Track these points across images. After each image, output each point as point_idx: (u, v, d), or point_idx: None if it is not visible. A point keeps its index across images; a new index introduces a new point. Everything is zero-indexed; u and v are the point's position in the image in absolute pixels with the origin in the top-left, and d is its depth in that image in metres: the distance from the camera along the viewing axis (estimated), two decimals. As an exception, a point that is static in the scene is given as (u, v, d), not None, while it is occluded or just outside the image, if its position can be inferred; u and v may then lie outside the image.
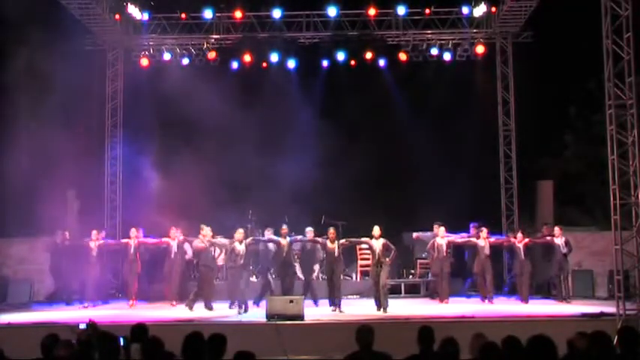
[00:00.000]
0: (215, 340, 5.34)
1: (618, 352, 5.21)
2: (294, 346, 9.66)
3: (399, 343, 6.24)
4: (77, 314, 11.99)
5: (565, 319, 10.82)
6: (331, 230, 12.56)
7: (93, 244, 13.74)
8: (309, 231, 13.20)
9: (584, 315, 10.97)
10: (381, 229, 12.46)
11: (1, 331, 10.16)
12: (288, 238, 12.84)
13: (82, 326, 6.77)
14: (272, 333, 9.92)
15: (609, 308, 11.10)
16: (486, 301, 13.53)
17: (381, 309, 12.08)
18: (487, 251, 13.76)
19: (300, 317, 10.79)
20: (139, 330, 6.21)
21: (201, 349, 5.15)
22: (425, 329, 5.71)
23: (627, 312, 10.45)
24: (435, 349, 5.44)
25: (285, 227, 12.91)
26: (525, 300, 13.36)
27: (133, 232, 13.89)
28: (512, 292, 14.44)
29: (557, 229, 13.84)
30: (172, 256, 13.63)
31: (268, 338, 9.77)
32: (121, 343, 5.70)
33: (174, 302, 13.32)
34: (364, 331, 5.67)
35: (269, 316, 10.82)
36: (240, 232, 12.54)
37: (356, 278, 15.57)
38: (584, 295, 14.17)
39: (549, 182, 16.74)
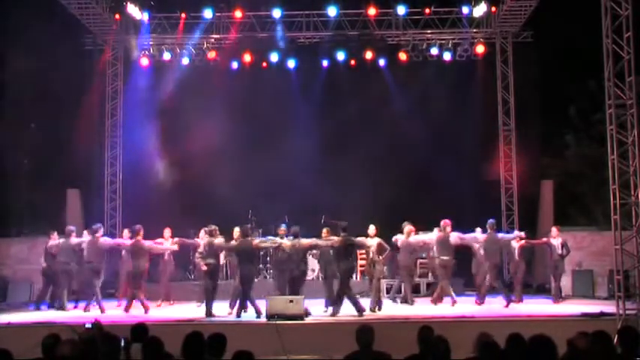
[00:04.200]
0: (215, 340, 5.35)
1: (618, 352, 5.21)
2: (294, 346, 9.66)
3: (399, 343, 6.24)
4: (77, 314, 12.00)
5: (565, 319, 10.79)
6: (324, 230, 12.39)
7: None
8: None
9: (584, 315, 10.95)
10: (376, 229, 12.41)
11: (1, 331, 10.15)
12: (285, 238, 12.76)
13: (88, 325, 6.79)
14: (272, 333, 9.92)
15: (609, 308, 11.08)
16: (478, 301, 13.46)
17: (376, 308, 12.08)
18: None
19: (300, 317, 10.78)
20: (139, 330, 6.21)
21: (201, 349, 5.15)
22: (425, 329, 5.72)
23: (627, 312, 10.43)
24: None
25: (283, 227, 12.83)
26: (519, 299, 13.33)
27: (125, 233, 13.81)
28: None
29: (554, 230, 13.73)
30: (166, 257, 13.58)
31: (268, 338, 9.78)
32: (122, 344, 5.71)
33: (159, 303, 13.25)
34: (364, 331, 5.67)
35: (269, 316, 10.81)
36: (236, 231, 12.43)
37: (356, 278, 15.53)
38: (584, 295, 14.17)
39: (549, 182, 16.75)
